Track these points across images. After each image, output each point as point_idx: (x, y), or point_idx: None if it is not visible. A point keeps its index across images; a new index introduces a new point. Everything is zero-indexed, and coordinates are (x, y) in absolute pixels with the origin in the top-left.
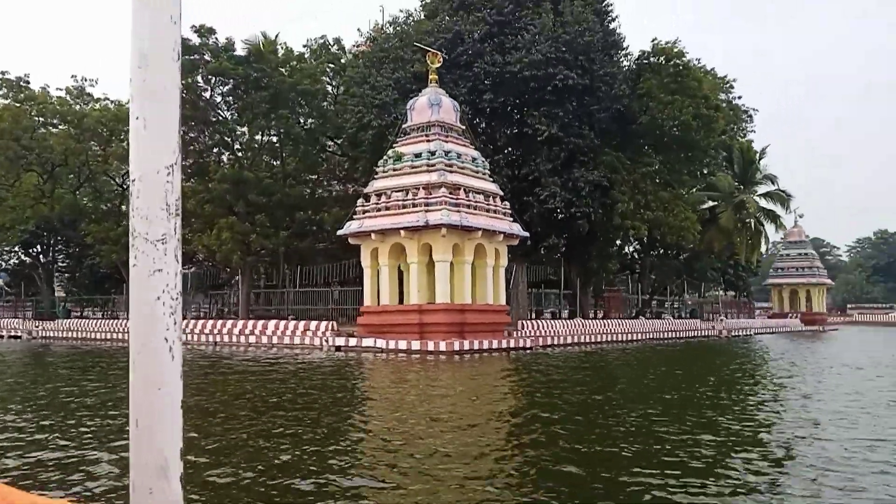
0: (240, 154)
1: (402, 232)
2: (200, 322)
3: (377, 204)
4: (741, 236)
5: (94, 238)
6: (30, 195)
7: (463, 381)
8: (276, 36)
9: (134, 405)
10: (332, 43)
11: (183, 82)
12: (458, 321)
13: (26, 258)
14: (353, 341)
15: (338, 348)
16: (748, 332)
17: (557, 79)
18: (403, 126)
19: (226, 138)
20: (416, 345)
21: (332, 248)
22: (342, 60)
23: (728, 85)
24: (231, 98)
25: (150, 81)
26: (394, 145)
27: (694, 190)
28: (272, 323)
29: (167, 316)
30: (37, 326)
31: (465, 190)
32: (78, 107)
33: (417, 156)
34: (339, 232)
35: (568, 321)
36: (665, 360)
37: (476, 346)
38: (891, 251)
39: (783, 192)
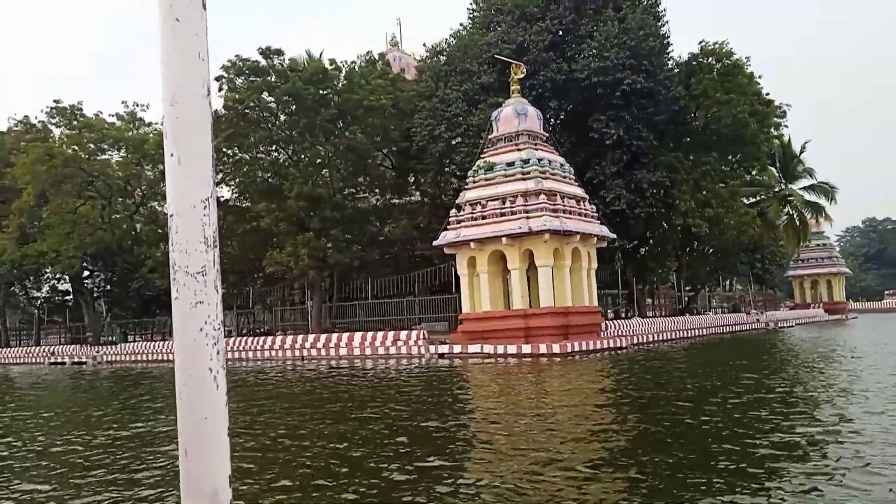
0: (310, 170)
1: (503, 239)
2: (291, 337)
3: (472, 213)
4: (788, 229)
5: (155, 262)
6: (90, 222)
7: (595, 380)
8: (321, 53)
9: (182, 435)
10: (377, 58)
11: (254, 103)
12: (562, 324)
13: (69, 284)
14: (457, 348)
15: (441, 356)
16: (790, 324)
17: (626, 83)
18: (489, 137)
19: (295, 157)
20: (526, 348)
21: (399, 259)
22: (390, 75)
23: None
24: (297, 117)
25: (182, 118)
26: (482, 156)
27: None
28: (359, 335)
29: (210, 346)
30: (97, 352)
31: (560, 196)
32: (130, 132)
33: (510, 165)
34: (435, 242)
35: (645, 319)
36: (755, 349)
37: (584, 348)
38: (880, 238)
39: (827, 184)
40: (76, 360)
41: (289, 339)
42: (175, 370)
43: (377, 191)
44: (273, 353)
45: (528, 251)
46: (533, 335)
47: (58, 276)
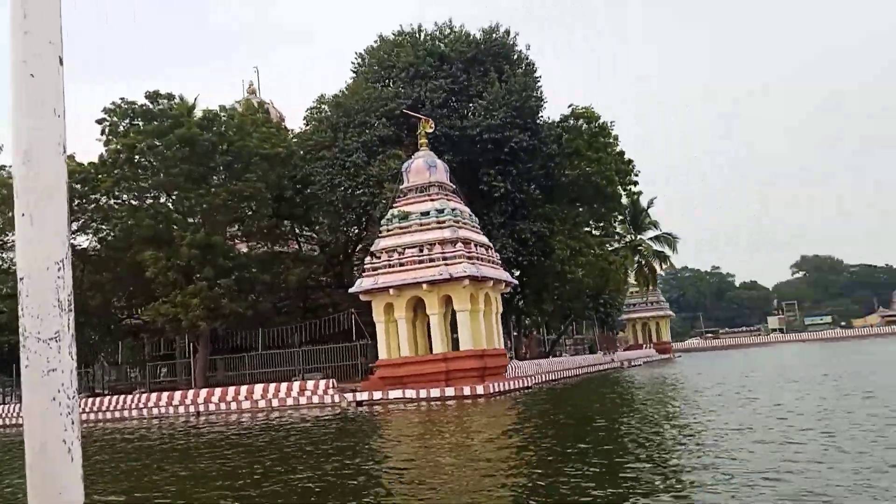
0: (201, 217)
1: (424, 285)
2: (179, 393)
3: (389, 260)
4: (639, 275)
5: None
6: None
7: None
8: (196, 99)
9: None
10: (256, 106)
11: (146, 148)
12: (480, 366)
13: None
14: (376, 394)
15: (359, 403)
16: (637, 362)
17: (514, 141)
18: (401, 187)
19: (187, 202)
20: (449, 391)
21: (292, 308)
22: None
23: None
24: (189, 163)
25: (35, 177)
26: (394, 206)
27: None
28: (260, 386)
29: (64, 416)
30: None
31: (473, 244)
32: None
33: (424, 214)
34: (352, 289)
35: (530, 361)
36: (627, 384)
37: (501, 388)
38: (679, 285)
39: (670, 234)
40: None
41: (177, 394)
42: (25, 442)
43: (263, 240)
44: (161, 409)
45: (445, 296)
46: (452, 378)
47: None
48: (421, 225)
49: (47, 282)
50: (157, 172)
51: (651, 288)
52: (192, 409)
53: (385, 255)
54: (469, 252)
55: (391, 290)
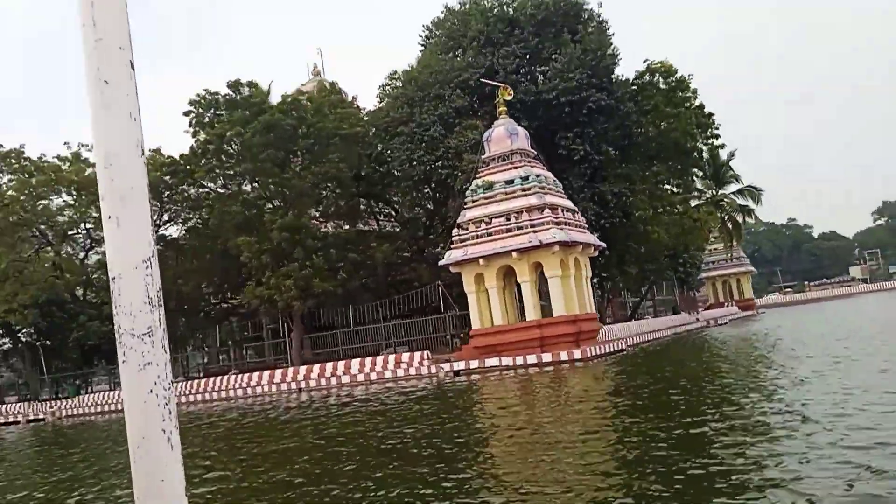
0: (289, 200)
1: (513, 254)
2: (280, 371)
3: (477, 231)
4: (722, 231)
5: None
6: (45, 270)
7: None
8: (270, 84)
9: (138, 500)
10: (328, 88)
11: (235, 137)
12: (574, 331)
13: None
14: (472, 364)
15: (456, 373)
16: (723, 321)
17: (591, 101)
18: (482, 157)
19: (274, 187)
20: (546, 357)
21: (378, 284)
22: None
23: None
24: (274, 148)
25: (117, 181)
26: (476, 176)
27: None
28: (357, 361)
29: (162, 407)
30: (52, 407)
31: (560, 209)
32: (76, 175)
33: (509, 182)
34: (441, 262)
35: (621, 324)
36: (721, 343)
37: (597, 352)
38: (754, 240)
39: (753, 188)
40: (31, 417)
41: (278, 372)
42: (127, 433)
43: (344, 220)
44: (263, 388)
45: (535, 263)
46: (547, 344)
47: None
48: (506, 194)
49: (137, 280)
50: (244, 160)
51: (735, 244)
52: (293, 385)
53: (472, 225)
54: (556, 217)
55: (481, 261)
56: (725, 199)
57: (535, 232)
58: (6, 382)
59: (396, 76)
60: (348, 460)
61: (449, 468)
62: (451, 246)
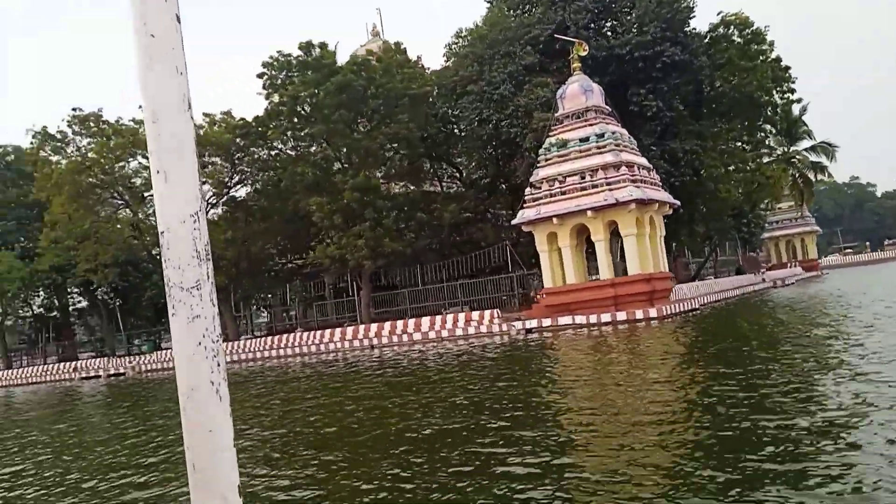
0: (359, 161)
1: (588, 213)
2: (351, 329)
3: (550, 190)
4: (794, 189)
5: None
6: (124, 231)
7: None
8: (336, 45)
9: (189, 449)
10: (392, 48)
11: (308, 97)
12: (649, 290)
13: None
14: (546, 322)
15: (528, 331)
16: (789, 281)
17: (665, 56)
18: (556, 115)
19: (345, 148)
20: (621, 315)
21: (443, 244)
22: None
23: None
24: (345, 109)
25: (164, 135)
26: (549, 134)
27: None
28: (427, 319)
29: (210, 359)
30: (130, 363)
31: (636, 167)
32: None
33: (583, 140)
34: (514, 221)
35: (691, 283)
36: (790, 302)
37: (672, 311)
38: (814, 199)
39: (827, 143)
40: (111, 372)
41: (349, 329)
42: (177, 385)
43: (409, 180)
44: (336, 344)
45: (610, 222)
46: (621, 302)
47: (71, 290)
48: (580, 151)
49: (185, 234)
50: (317, 121)
51: (806, 202)
52: (364, 342)
53: (545, 184)
54: (633, 175)
55: (555, 220)
56: (797, 156)
57: (610, 190)
58: (81, 339)
59: (463, 34)
60: (432, 413)
61: (531, 423)
62: (524, 205)
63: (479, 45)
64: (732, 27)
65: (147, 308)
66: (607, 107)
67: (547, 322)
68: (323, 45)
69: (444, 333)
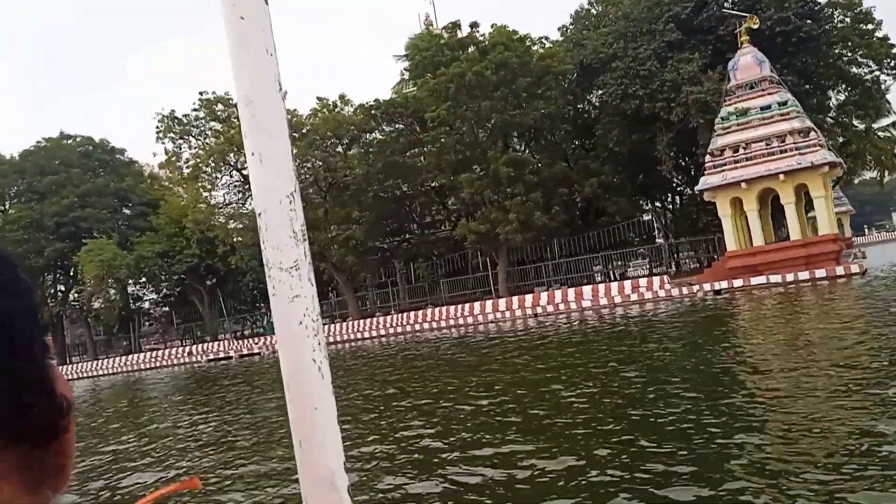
0: (507, 138)
1: (781, 176)
2: (516, 298)
3: (734, 157)
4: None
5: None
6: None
7: None
8: (476, 26)
9: (294, 427)
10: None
11: (471, 76)
12: (837, 249)
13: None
14: (737, 283)
15: (717, 292)
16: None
17: (803, 31)
18: (728, 86)
19: (490, 126)
20: (820, 272)
21: (574, 220)
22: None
23: None
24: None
25: (258, 117)
26: (724, 104)
27: None
28: (589, 287)
29: (311, 338)
30: (264, 342)
31: (815, 132)
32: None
33: (765, 108)
34: (698, 188)
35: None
36: None
37: (863, 269)
38: None
39: None
40: (244, 353)
41: (515, 299)
42: (280, 364)
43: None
44: (499, 314)
45: (799, 185)
46: (812, 262)
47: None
48: (762, 119)
49: (282, 215)
50: (477, 97)
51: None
52: (527, 312)
53: (728, 151)
54: (819, 140)
55: (743, 184)
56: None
57: (801, 154)
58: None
59: (582, 15)
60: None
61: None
62: (705, 172)
63: (621, 23)
64: (839, 9)
65: (245, 293)
66: (777, 76)
67: (738, 283)
68: (474, 24)
69: (618, 299)
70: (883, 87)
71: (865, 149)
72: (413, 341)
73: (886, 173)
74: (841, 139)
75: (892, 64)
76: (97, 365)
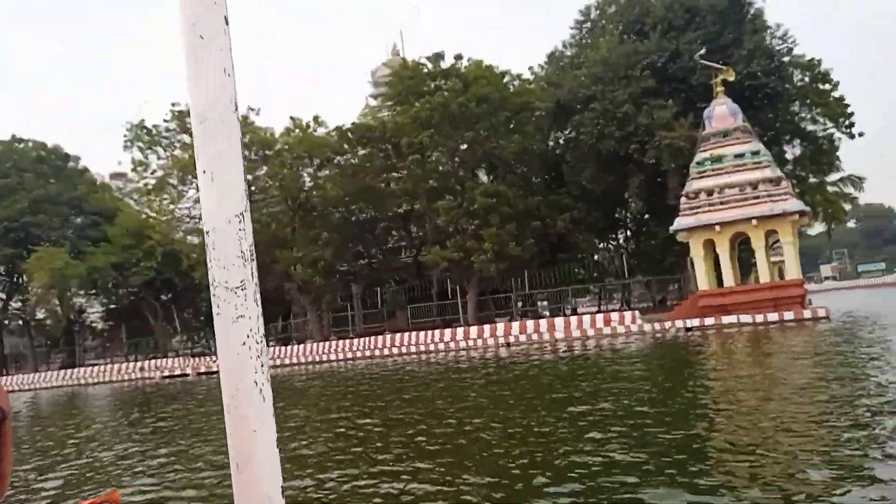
0: (483, 169)
1: (753, 221)
2: (488, 326)
3: (709, 200)
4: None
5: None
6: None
7: None
8: (460, 58)
9: (233, 449)
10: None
11: (454, 107)
12: (802, 293)
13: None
14: (708, 321)
15: (689, 329)
16: None
17: (769, 87)
18: (703, 133)
19: (465, 157)
20: (788, 315)
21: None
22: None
23: None
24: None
25: (211, 136)
26: (699, 150)
27: None
28: (561, 319)
29: (254, 359)
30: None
31: (785, 181)
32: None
33: (739, 156)
34: (672, 228)
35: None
36: None
37: (827, 313)
38: None
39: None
40: (201, 370)
41: (486, 327)
42: (221, 385)
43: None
44: (471, 342)
45: (769, 231)
46: (780, 304)
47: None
48: (736, 166)
49: (230, 234)
50: (460, 128)
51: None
52: (500, 341)
53: (703, 195)
54: (788, 189)
55: (717, 227)
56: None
57: (773, 202)
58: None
59: (556, 58)
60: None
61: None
62: (681, 213)
63: (598, 68)
64: (799, 69)
65: (203, 312)
66: (750, 127)
67: (709, 321)
68: (458, 56)
69: (591, 332)
70: (836, 143)
71: (818, 202)
72: (373, 366)
73: (834, 225)
74: (797, 191)
75: (846, 123)
76: (37, 378)
